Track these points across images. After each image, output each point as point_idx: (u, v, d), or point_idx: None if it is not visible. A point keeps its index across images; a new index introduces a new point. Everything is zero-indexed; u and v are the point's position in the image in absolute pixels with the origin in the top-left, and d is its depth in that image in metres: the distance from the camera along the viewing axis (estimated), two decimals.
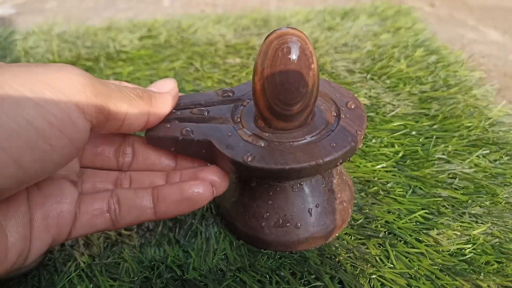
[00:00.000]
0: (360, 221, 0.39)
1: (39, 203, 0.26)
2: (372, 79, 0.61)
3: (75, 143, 0.23)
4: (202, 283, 0.33)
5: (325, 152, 0.28)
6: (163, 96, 0.30)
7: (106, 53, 0.70)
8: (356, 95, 0.55)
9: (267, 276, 0.34)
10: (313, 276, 0.34)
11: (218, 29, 0.78)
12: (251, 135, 0.30)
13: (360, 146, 0.32)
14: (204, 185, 0.28)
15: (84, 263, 0.36)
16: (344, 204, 0.37)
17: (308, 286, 0.33)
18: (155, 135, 0.30)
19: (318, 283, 0.33)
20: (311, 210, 0.34)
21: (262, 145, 0.29)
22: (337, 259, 0.35)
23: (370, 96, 0.57)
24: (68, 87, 0.22)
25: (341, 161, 0.29)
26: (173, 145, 0.30)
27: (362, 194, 0.42)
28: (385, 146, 0.48)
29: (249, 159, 0.27)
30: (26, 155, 0.20)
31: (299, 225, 0.34)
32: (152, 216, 0.29)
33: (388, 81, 0.60)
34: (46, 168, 0.22)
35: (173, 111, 0.32)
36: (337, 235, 0.37)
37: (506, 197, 0.40)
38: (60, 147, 0.22)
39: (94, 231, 0.29)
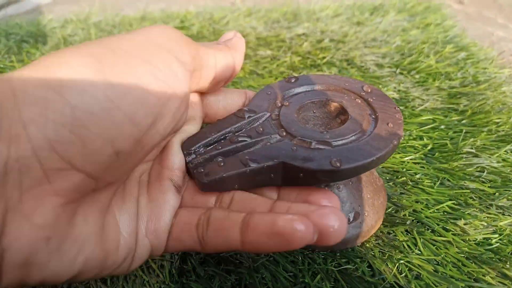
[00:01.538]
0: (388, 210, 0.40)
1: (145, 206, 0.26)
2: (401, 73, 0.62)
3: (178, 92, 0.24)
4: (238, 261, 0.35)
5: (390, 133, 0.29)
6: (233, 40, 0.31)
7: None
8: (385, 89, 0.57)
9: (300, 258, 0.36)
10: (344, 260, 0.35)
11: (249, 21, 0.80)
12: (312, 142, 0.28)
13: None
14: (304, 223, 0.21)
15: None
16: (381, 181, 0.39)
17: (339, 268, 0.34)
18: (214, 178, 0.27)
19: (349, 266, 0.35)
20: (369, 195, 0.36)
21: (331, 147, 0.28)
22: (366, 245, 0.37)
23: (399, 90, 0.58)
24: (167, 42, 0.24)
25: (403, 136, 0.30)
26: (238, 181, 0.27)
27: (391, 183, 0.43)
28: (414, 139, 0.49)
29: (338, 164, 0.26)
30: (138, 111, 0.21)
31: (366, 213, 0.36)
32: (239, 245, 0.24)
33: (417, 76, 0.61)
34: (158, 124, 0.23)
35: (208, 148, 0.29)
36: None
37: None
38: (166, 98, 0.22)
39: (183, 248, 0.27)
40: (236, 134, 0.30)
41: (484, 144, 0.47)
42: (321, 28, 0.77)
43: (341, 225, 0.22)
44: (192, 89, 0.28)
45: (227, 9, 0.86)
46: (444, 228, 0.38)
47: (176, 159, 0.28)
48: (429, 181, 0.43)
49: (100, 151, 0.20)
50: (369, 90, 0.34)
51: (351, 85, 0.35)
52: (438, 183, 0.43)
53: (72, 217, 0.21)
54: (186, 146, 0.29)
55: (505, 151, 0.46)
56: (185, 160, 0.28)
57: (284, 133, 0.29)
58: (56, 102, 0.18)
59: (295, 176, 0.27)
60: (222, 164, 0.27)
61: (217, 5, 0.93)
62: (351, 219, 0.35)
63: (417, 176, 0.44)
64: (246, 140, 0.29)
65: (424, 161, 0.46)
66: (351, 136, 0.29)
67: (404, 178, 0.43)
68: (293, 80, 0.35)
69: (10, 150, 0.17)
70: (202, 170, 0.27)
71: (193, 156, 0.28)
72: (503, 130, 0.49)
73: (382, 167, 0.45)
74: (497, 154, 0.46)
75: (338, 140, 0.28)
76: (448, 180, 0.43)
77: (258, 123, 0.31)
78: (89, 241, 0.22)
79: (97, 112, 0.19)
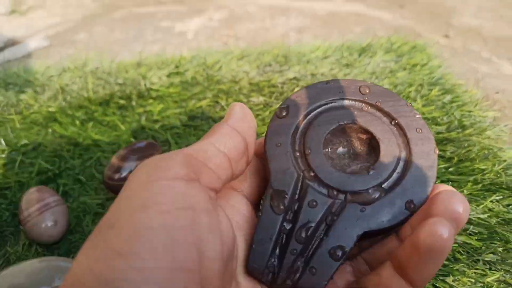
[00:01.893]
0: None
1: None
2: None
3: (198, 205, 0.21)
4: None
5: (426, 141, 0.26)
6: (229, 113, 0.26)
7: (137, 91, 0.74)
8: None
9: None
10: None
11: (241, 65, 0.82)
12: (369, 191, 0.25)
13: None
14: (437, 224, 0.20)
15: None
16: None
17: None
18: None
19: None
20: None
21: (386, 193, 0.25)
22: None
23: None
24: (153, 174, 0.21)
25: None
26: (332, 275, 0.24)
27: None
28: None
29: (413, 205, 0.24)
30: (177, 251, 0.18)
31: None
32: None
33: None
34: (205, 251, 0.20)
35: (279, 256, 0.25)
36: None
37: None
38: (191, 221, 0.20)
39: None
40: (290, 221, 0.25)
41: (471, 194, 0.49)
42: (311, 71, 0.79)
43: (466, 207, 0.21)
44: (217, 186, 0.24)
45: (220, 52, 0.88)
46: (434, 286, 0.40)
47: None
48: None
49: None
50: (368, 91, 0.29)
51: (347, 90, 0.30)
52: None
53: None
54: (255, 267, 0.24)
55: (491, 201, 0.48)
56: (264, 282, 0.24)
57: (335, 192, 0.25)
58: None
59: (373, 237, 0.25)
60: (314, 270, 0.23)
61: (210, 47, 0.96)
62: None
63: None
64: (312, 227, 0.24)
65: None
66: (398, 166, 0.26)
67: None
68: (284, 114, 0.29)
69: None
70: None
71: (270, 274, 0.24)
72: (488, 178, 0.51)
73: None
74: (483, 205, 0.48)
75: (390, 176, 0.26)
76: None
77: (299, 193, 0.26)
78: None
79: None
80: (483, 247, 0.43)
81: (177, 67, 0.83)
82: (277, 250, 0.24)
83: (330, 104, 0.29)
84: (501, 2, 1.55)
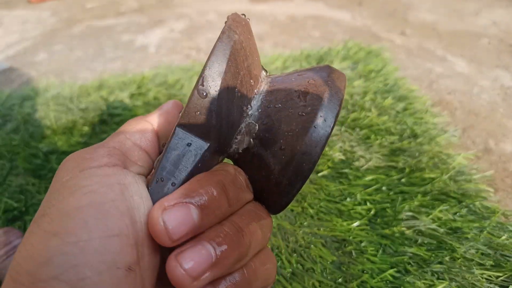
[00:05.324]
0: (339, 279, 0.44)
1: None
2: (346, 131, 0.67)
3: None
4: None
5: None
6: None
7: (100, 118, 0.75)
8: (331, 152, 0.61)
9: None
10: None
11: None
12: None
13: None
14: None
15: None
16: None
17: None
18: None
19: None
20: None
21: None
22: None
23: (345, 150, 0.63)
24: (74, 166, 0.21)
25: None
26: None
27: (340, 252, 0.48)
28: (359, 204, 0.53)
29: None
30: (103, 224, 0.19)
31: None
32: None
33: (361, 133, 0.66)
34: (132, 213, 0.20)
35: None
36: None
37: (463, 253, 0.46)
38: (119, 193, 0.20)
39: None
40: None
41: (421, 204, 0.52)
42: None
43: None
44: (142, 173, 0.23)
45: (182, 69, 0.89)
46: None
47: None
48: (373, 248, 0.48)
49: (110, 278, 0.19)
50: None
51: None
52: (380, 250, 0.47)
53: None
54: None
55: (439, 210, 0.51)
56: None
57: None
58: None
59: None
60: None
61: (172, 62, 0.97)
62: None
63: (363, 244, 0.48)
64: None
65: (368, 227, 0.50)
66: None
67: (351, 247, 0.48)
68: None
69: None
70: None
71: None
72: (437, 188, 0.55)
73: (331, 235, 0.49)
74: (432, 214, 0.51)
75: None
76: (390, 247, 0.48)
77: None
78: None
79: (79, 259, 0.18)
80: (431, 257, 0.46)
81: (139, 87, 0.84)
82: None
83: None
84: None
